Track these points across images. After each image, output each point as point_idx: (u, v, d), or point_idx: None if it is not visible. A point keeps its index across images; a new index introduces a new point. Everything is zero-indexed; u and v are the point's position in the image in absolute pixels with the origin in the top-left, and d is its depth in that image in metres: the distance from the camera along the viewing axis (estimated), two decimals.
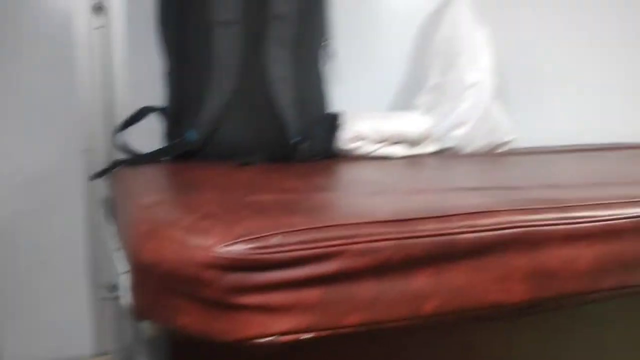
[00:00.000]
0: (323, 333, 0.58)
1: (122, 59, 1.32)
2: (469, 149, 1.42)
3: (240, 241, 0.54)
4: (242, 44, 1.18)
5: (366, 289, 0.58)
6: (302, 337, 0.58)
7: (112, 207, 1.06)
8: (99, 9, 1.31)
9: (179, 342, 1.19)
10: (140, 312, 0.59)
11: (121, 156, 1.18)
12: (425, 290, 0.61)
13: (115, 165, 1.15)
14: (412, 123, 1.37)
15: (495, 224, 0.63)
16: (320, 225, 0.57)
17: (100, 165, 1.26)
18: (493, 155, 1.40)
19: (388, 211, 0.64)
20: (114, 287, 1.32)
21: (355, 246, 0.57)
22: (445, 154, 1.39)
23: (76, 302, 1.31)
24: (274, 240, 0.54)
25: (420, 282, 0.61)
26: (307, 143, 1.20)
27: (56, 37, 1.29)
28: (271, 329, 0.56)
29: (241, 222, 0.57)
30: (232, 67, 1.17)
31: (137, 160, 1.16)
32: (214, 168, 1.01)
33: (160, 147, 1.17)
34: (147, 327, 1.07)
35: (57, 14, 1.29)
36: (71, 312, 1.31)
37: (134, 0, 1.31)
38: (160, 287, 0.56)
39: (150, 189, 0.80)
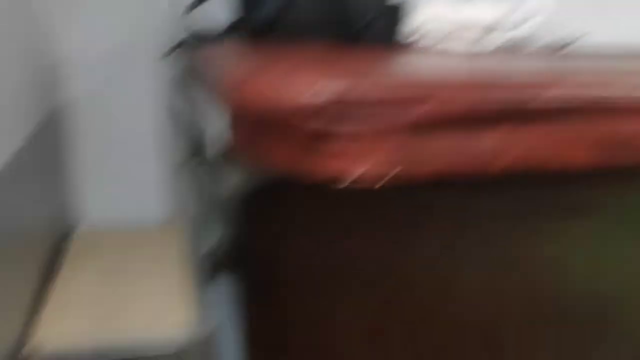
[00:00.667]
0: (402, 180, 0.62)
1: None
2: (537, 43, 1.40)
3: (333, 83, 0.57)
4: None
5: (445, 141, 0.62)
6: (381, 182, 0.62)
7: (187, 80, 1.11)
8: None
9: (252, 199, 1.27)
10: (231, 153, 0.65)
11: (192, 34, 1.22)
12: (498, 148, 0.64)
13: (186, 42, 1.19)
14: (480, 14, 1.35)
15: (570, 92, 0.65)
16: (407, 76, 0.60)
17: (171, 43, 1.30)
18: (560, 51, 1.37)
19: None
20: (186, 155, 1.39)
21: (439, 95, 0.60)
22: (512, 47, 1.37)
23: (148, 170, 1.40)
24: (361, 87, 0.57)
25: (494, 139, 0.64)
26: (370, 30, 1.20)
27: None
28: (354, 173, 0.60)
29: (332, 68, 0.61)
30: None
31: (206, 37, 1.19)
32: (285, 45, 1.04)
33: (230, 25, 1.20)
34: (222, 188, 1.16)
35: None
36: (144, 180, 1.40)
37: None
38: (252, 128, 0.61)
39: (231, 56, 0.83)
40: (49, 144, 1.28)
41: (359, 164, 0.61)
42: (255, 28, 1.17)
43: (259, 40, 1.18)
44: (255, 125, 0.61)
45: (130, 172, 1.38)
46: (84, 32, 1.32)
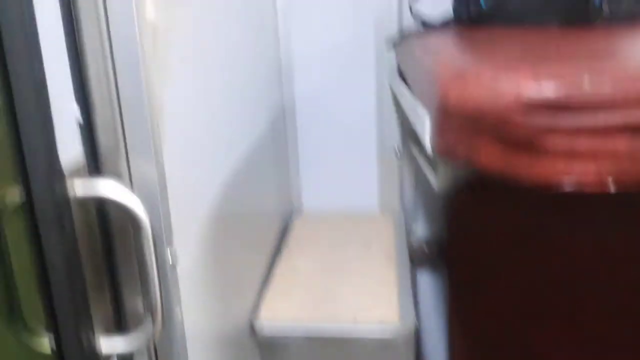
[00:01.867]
0: (629, 184, 0.56)
1: None
2: None
3: (548, 82, 0.54)
4: None
5: None
6: (607, 185, 0.57)
7: (403, 71, 1.13)
8: None
9: (462, 198, 1.26)
10: (442, 151, 0.65)
11: (412, 24, 1.23)
12: None
13: (406, 33, 1.21)
14: None
15: None
16: (634, 70, 0.54)
17: (391, 34, 1.33)
18: None
19: None
20: (398, 150, 1.42)
21: None
22: None
23: (365, 161, 1.46)
24: (583, 83, 0.53)
25: None
26: (610, 2, 1.09)
27: None
28: (574, 173, 0.56)
29: (547, 64, 0.57)
30: None
31: (427, 27, 1.20)
32: (505, 31, 1.00)
33: (450, 14, 1.19)
34: (435, 180, 1.16)
35: None
36: (361, 170, 1.47)
37: None
38: (464, 127, 0.60)
39: (445, 48, 0.83)
40: (278, 135, 1.41)
41: (580, 166, 0.57)
42: (473, 16, 1.14)
43: (479, 27, 1.15)
44: (464, 127, 0.60)
45: (349, 162, 1.46)
46: (309, 29, 1.42)
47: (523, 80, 0.55)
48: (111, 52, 0.57)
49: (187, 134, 0.71)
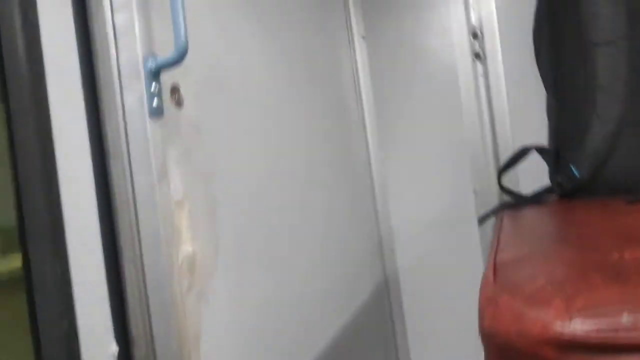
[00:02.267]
0: None
1: (504, 101, 1.33)
2: None
3: (581, 317, 0.47)
4: (628, 61, 1.04)
5: None
6: None
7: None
8: (478, 56, 1.36)
9: None
10: None
11: (506, 198, 1.18)
12: None
13: (500, 207, 1.16)
14: None
15: None
16: None
17: (489, 206, 1.28)
18: None
19: None
20: None
21: None
22: None
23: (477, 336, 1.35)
24: (621, 319, 0.46)
25: None
26: None
27: (444, 84, 1.39)
28: None
29: (588, 291, 0.50)
30: (618, 90, 1.04)
31: (520, 202, 1.14)
32: (597, 208, 0.92)
33: (544, 186, 1.13)
34: None
35: (443, 64, 1.39)
36: (475, 347, 1.35)
37: (510, 42, 1.32)
38: (500, 356, 0.54)
39: (512, 240, 0.77)
40: (381, 311, 1.37)
41: None
42: (566, 186, 1.07)
43: (572, 201, 1.07)
44: (500, 356, 0.54)
45: (461, 338, 1.36)
46: (408, 200, 1.42)
47: (552, 313, 0.49)
48: (145, 288, 0.61)
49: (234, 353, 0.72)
